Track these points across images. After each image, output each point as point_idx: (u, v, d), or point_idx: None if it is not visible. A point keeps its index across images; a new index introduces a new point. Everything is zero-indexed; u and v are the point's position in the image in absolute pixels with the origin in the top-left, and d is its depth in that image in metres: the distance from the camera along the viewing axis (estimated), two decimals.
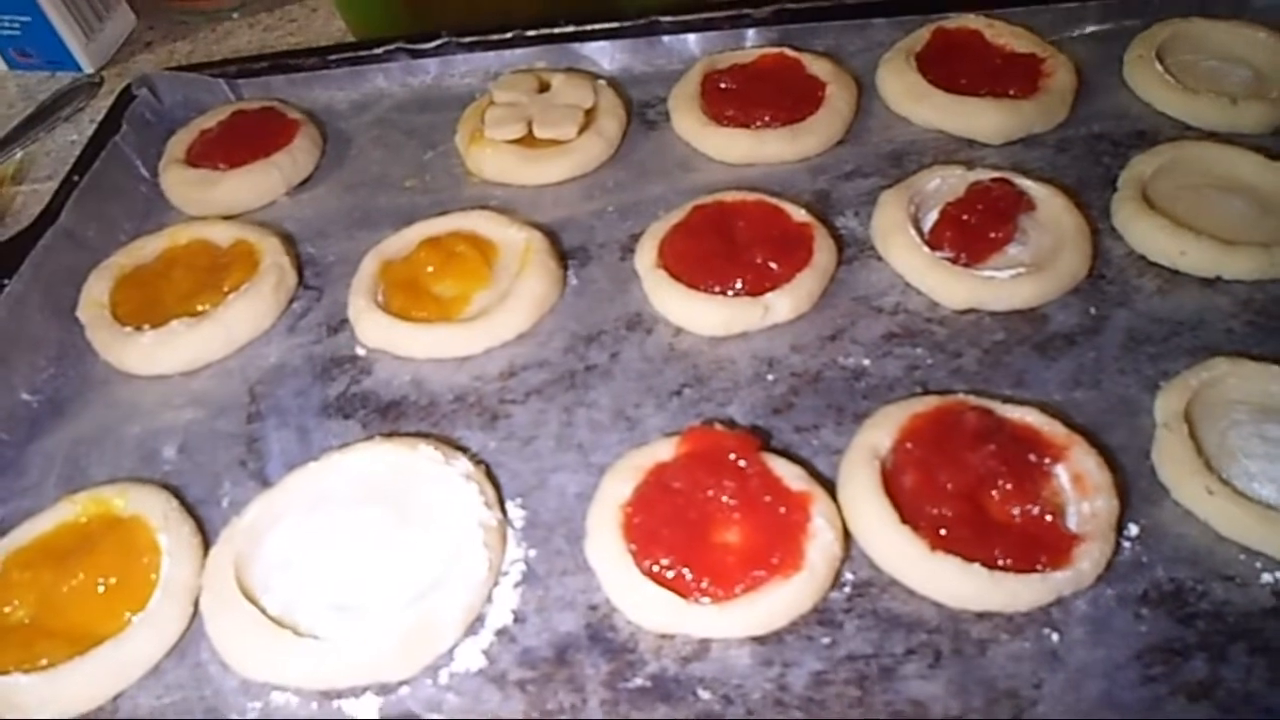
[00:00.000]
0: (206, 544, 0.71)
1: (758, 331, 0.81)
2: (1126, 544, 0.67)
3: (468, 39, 1.08)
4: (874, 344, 0.80)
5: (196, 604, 0.68)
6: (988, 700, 0.60)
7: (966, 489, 0.66)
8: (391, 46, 1.09)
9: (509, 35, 1.08)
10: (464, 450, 0.75)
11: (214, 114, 1.04)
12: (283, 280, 0.87)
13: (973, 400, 0.72)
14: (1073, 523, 0.66)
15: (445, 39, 1.08)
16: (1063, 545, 0.64)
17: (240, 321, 0.85)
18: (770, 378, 0.78)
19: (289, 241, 0.93)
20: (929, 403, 0.72)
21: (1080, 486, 0.67)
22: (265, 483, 0.75)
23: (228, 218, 0.95)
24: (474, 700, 0.63)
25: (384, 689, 0.64)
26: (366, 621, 0.65)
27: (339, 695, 0.64)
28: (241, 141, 1.00)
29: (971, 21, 1.05)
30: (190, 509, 0.74)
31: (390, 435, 0.76)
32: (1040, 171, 0.92)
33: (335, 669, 0.63)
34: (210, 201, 0.97)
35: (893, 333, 0.81)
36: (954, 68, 1.00)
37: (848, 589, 0.66)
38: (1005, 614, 0.64)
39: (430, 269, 0.86)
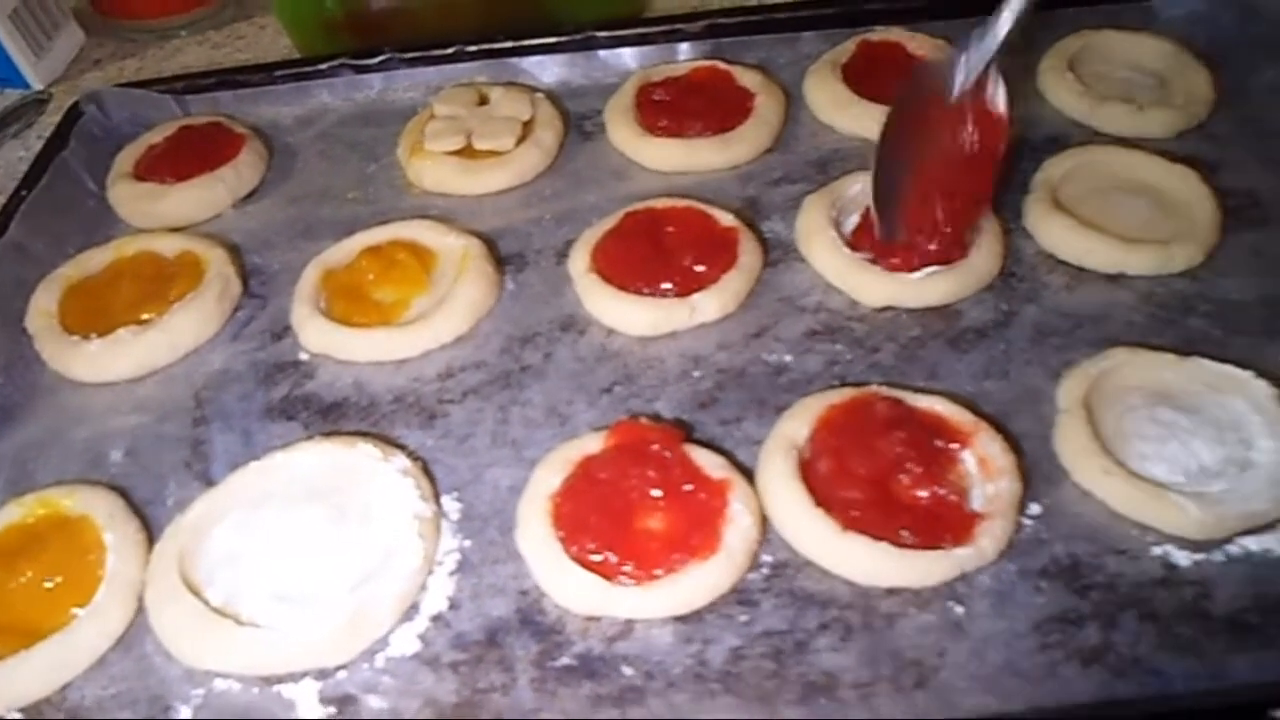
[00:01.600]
0: (152, 541, 0.74)
1: (686, 331, 0.85)
2: (1028, 522, 0.71)
3: (410, 55, 1.12)
4: (796, 341, 0.84)
5: (142, 599, 0.70)
6: (895, 669, 0.64)
7: (876, 474, 0.70)
8: (336, 62, 1.12)
9: (450, 50, 1.11)
10: (402, 448, 0.78)
11: (161, 129, 1.07)
12: (227, 289, 0.90)
13: (885, 391, 0.76)
14: (977, 503, 0.70)
15: (388, 55, 1.11)
16: (966, 524, 0.68)
17: (185, 330, 0.87)
18: (697, 374, 0.82)
19: (234, 252, 0.95)
20: (844, 394, 0.75)
21: (985, 469, 0.71)
22: (210, 483, 0.78)
23: (174, 230, 0.98)
24: (409, 682, 0.66)
25: (322, 674, 0.66)
26: (306, 610, 0.67)
27: (279, 681, 0.66)
28: (188, 156, 1.03)
29: (895, 35, 1.10)
30: (136, 509, 0.76)
31: (330, 435, 0.78)
32: None
33: (275, 655, 0.66)
34: (157, 214, 1.00)
35: (814, 330, 0.85)
36: (877, 78, 1.05)
37: (765, 570, 0.69)
38: (913, 589, 0.67)
39: (371, 276, 0.89)
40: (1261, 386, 0.75)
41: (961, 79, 0.80)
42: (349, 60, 1.11)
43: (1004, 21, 0.77)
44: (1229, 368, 0.77)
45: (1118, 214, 0.91)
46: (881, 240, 0.84)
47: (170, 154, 1.03)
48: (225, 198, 1.01)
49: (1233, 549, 0.69)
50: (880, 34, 1.10)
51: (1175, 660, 0.63)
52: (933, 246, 0.83)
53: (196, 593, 0.69)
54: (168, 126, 1.07)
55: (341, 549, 0.71)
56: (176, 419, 0.83)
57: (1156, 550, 0.69)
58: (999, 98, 0.80)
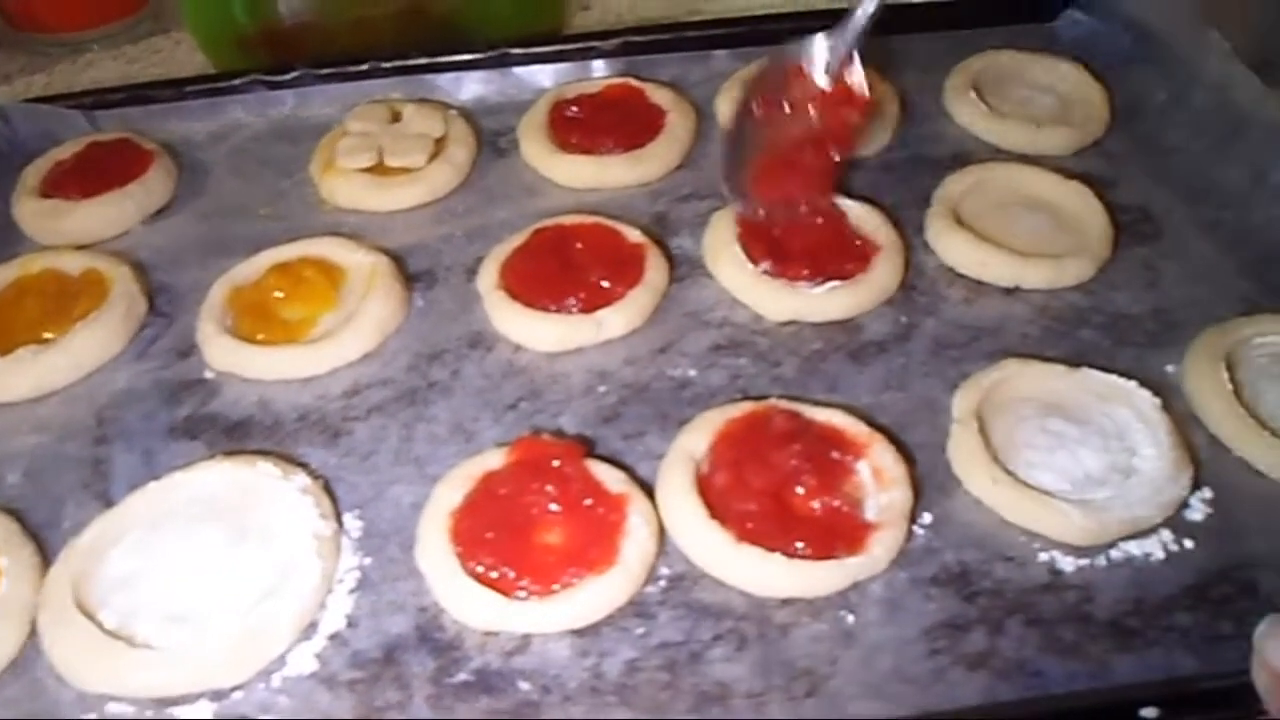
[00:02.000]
0: (48, 564, 0.72)
1: (592, 347, 0.86)
2: (921, 531, 0.73)
3: (323, 71, 1.11)
4: (701, 355, 0.85)
5: (35, 623, 0.69)
6: (788, 678, 0.65)
7: (772, 486, 0.71)
8: (248, 78, 1.11)
9: (364, 67, 1.11)
10: (304, 466, 0.78)
11: (70, 145, 1.06)
12: (132, 308, 0.89)
13: (783, 404, 0.77)
14: (870, 513, 0.72)
15: (301, 71, 1.11)
16: (859, 534, 0.70)
17: (88, 349, 0.86)
18: (602, 389, 0.83)
19: (141, 270, 0.95)
20: (743, 408, 0.77)
21: (879, 480, 0.73)
22: (109, 504, 0.76)
23: (81, 248, 0.96)
24: (305, 701, 0.65)
25: (218, 695, 0.66)
26: (201, 630, 0.67)
27: (174, 703, 0.66)
28: (96, 172, 1.02)
29: None
30: (33, 532, 0.75)
31: (232, 454, 0.78)
32: (864, 191, 0.99)
33: (169, 677, 0.65)
34: (63, 231, 0.98)
35: (719, 344, 0.86)
36: None
37: (663, 582, 0.70)
38: (807, 599, 0.69)
39: (279, 294, 0.89)
40: (1145, 396, 0.78)
41: (827, 59, 0.84)
42: (262, 76, 1.11)
43: (868, 6, 0.82)
44: (1115, 378, 0.79)
45: (1015, 229, 0.94)
46: (733, 205, 0.89)
47: (78, 170, 1.02)
48: (134, 214, 1.00)
49: (1115, 554, 0.71)
50: None
51: (1058, 663, 0.66)
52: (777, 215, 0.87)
53: (91, 615, 0.68)
54: (76, 142, 1.06)
55: (240, 569, 0.71)
56: (77, 439, 0.82)
57: (1043, 556, 0.71)
58: (859, 79, 0.84)
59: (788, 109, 0.85)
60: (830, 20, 1.10)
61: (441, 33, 1.18)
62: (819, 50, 0.85)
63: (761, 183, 0.87)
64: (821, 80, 0.84)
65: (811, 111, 0.84)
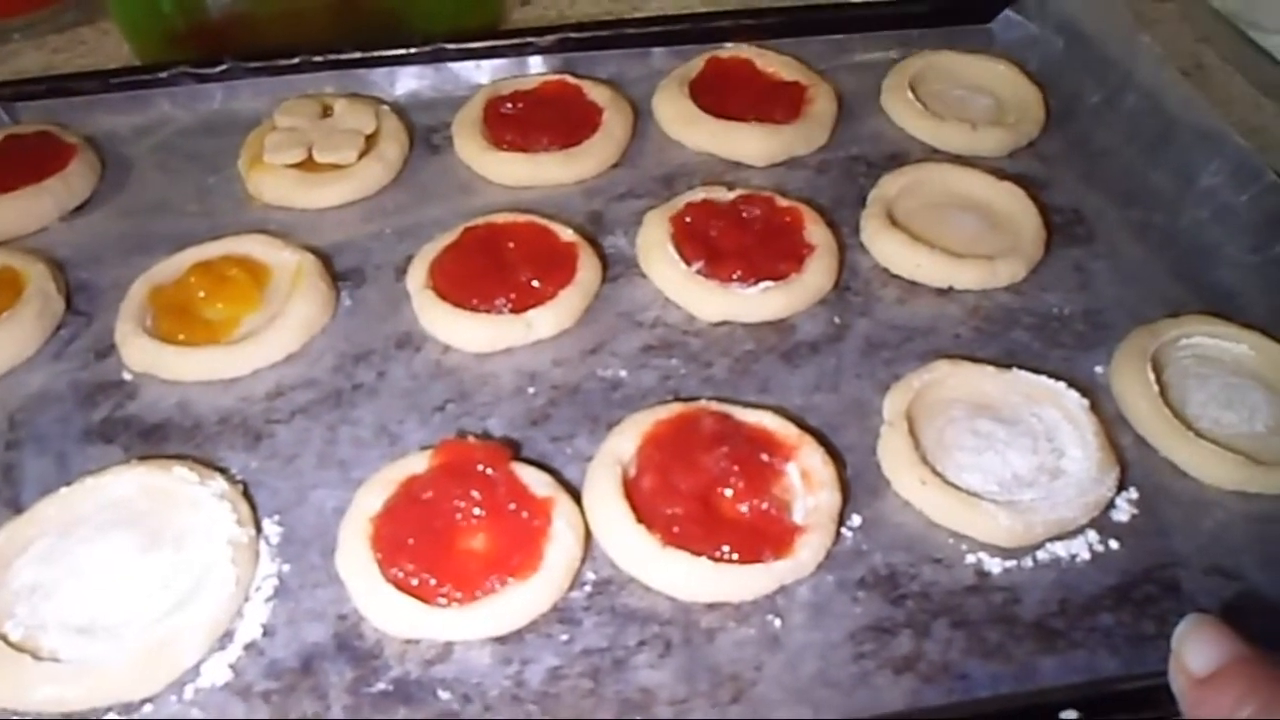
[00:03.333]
0: None
1: (522, 347, 0.84)
2: (849, 533, 0.72)
3: (253, 64, 1.09)
4: (632, 356, 0.84)
5: None
6: (712, 684, 0.64)
7: (699, 489, 0.71)
8: (176, 70, 1.08)
9: (295, 60, 1.09)
10: (223, 471, 0.75)
11: None
12: (47, 307, 0.86)
13: (713, 406, 0.76)
14: (798, 516, 0.71)
15: (230, 64, 1.08)
16: (786, 537, 0.69)
17: (0, 349, 0.83)
18: (531, 390, 0.82)
19: (59, 268, 0.92)
20: (672, 410, 0.76)
21: (808, 482, 0.73)
22: (19, 511, 0.74)
23: None
24: (218, 714, 0.63)
25: (127, 708, 0.64)
26: (109, 642, 0.65)
27: (81, 717, 0.63)
28: (13, 166, 0.98)
29: (744, 51, 1.11)
30: None
31: (148, 458, 0.76)
32: (799, 191, 0.98)
33: (75, 691, 0.63)
34: None
35: (650, 345, 0.85)
36: (724, 94, 1.06)
37: (588, 587, 0.69)
38: (733, 604, 0.68)
39: (201, 293, 0.86)
40: (1074, 397, 0.78)
41: None
42: (190, 69, 1.08)
43: None
44: (1044, 379, 0.80)
45: (949, 230, 0.94)
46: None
47: None
48: (52, 210, 0.97)
49: (1042, 555, 0.71)
50: (730, 51, 1.11)
51: (983, 665, 0.66)
52: None
53: None
54: None
55: (152, 577, 0.68)
56: None
57: (970, 558, 0.71)
58: None
59: None
60: (771, 19, 1.12)
61: (376, 26, 1.15)
62: None
63: None
64: None
65: None
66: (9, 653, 0.64)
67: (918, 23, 1.16)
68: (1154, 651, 0.65)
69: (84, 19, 1.37)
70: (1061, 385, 0.79)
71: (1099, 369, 0.84)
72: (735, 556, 0.68)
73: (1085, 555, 0.71)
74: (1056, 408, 0.78)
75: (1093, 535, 0.72)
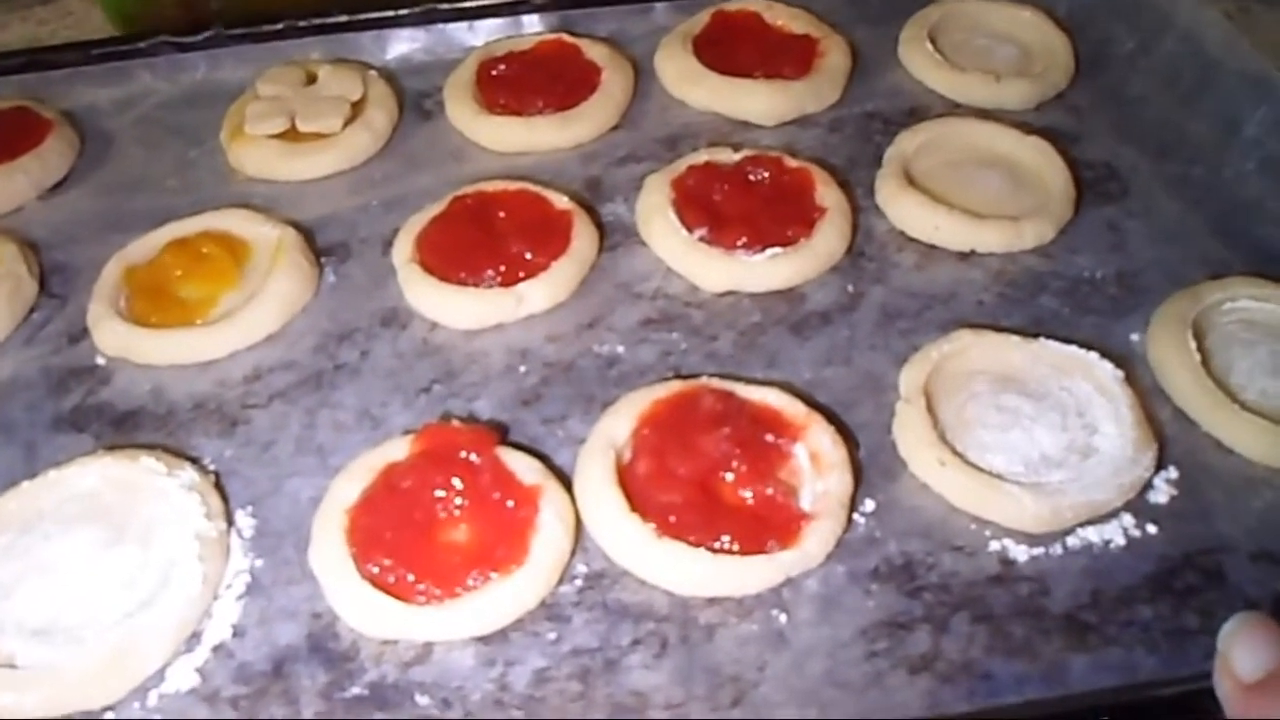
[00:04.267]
0: None
1: (514, 323, 0.80)
2: (861, 519, 0.67)
3: (237, 31, 1.04)
4: (630, 330, 0.79)
5: None
6: (711, 687, 0.59)
7: (698, 474, 0.66)
8: (156, 40, 1.03)
9: (280, 26, 1.04)
10: (194, 460, 0.71)
11: None
12: (19, 290, 0.82)
13: (715, 383, 0.71)
14: (806, 502, 0.66)
15: (213, 31, 1.03)
16: (793, 525, 0.64)
17: None
18: (522, 369, 0.77)
19: (33, 248, 0.88)
20: (671, 388, 0.71)
21: (816, 464, 0.67)
22: None
23: None
24: None
25: (87, 715, 0.60)
26: (69, 646, 0.61)
27: None
28: None
29: (752, 3, 1.05)
30: None
31: (115, 448, 0.72)
32: (810, 151, 0.93)
33: (33, 698, 0.59)
34: None
35: (650, 318, 0.80)
36: (731, 50, 1.00)
37: (579, 581, 0.64)
38: (735, 598, 0.63)
39: (177, 272, 0.82)
40: (1107, 368, 0.73)
41: None
42: (171, 38, 1.03)
43: None
44: (1074, 349, 0.74)
45: (970, 188, 0.88)
46: None
47: None
48: (28, 189, 0.93)
49: (1072, 541, 0.66)
50: (737, 3, 1.05)
51: (1007, 664, 0.60)
52: None
53: None
54: None
55: (116, 575, 0.64)
56: None
57: (994, 545, 0.66)
58: None
59: None
60: None
61: None
62: None
63: None
64: None
65: None
66: None
67: None
68: (1196, 648, 0.60)
69: None
70: (1094, 355, 0.73)
71: (1135, 337, 0.78)
72: (737, 547, 0.63)
73: (1120, 541, 0.66)
74: (1088, 380, 0.72)
75: (1128, 519, 0.66)
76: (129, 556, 0.65)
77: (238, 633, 0.63)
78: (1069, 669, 0.60)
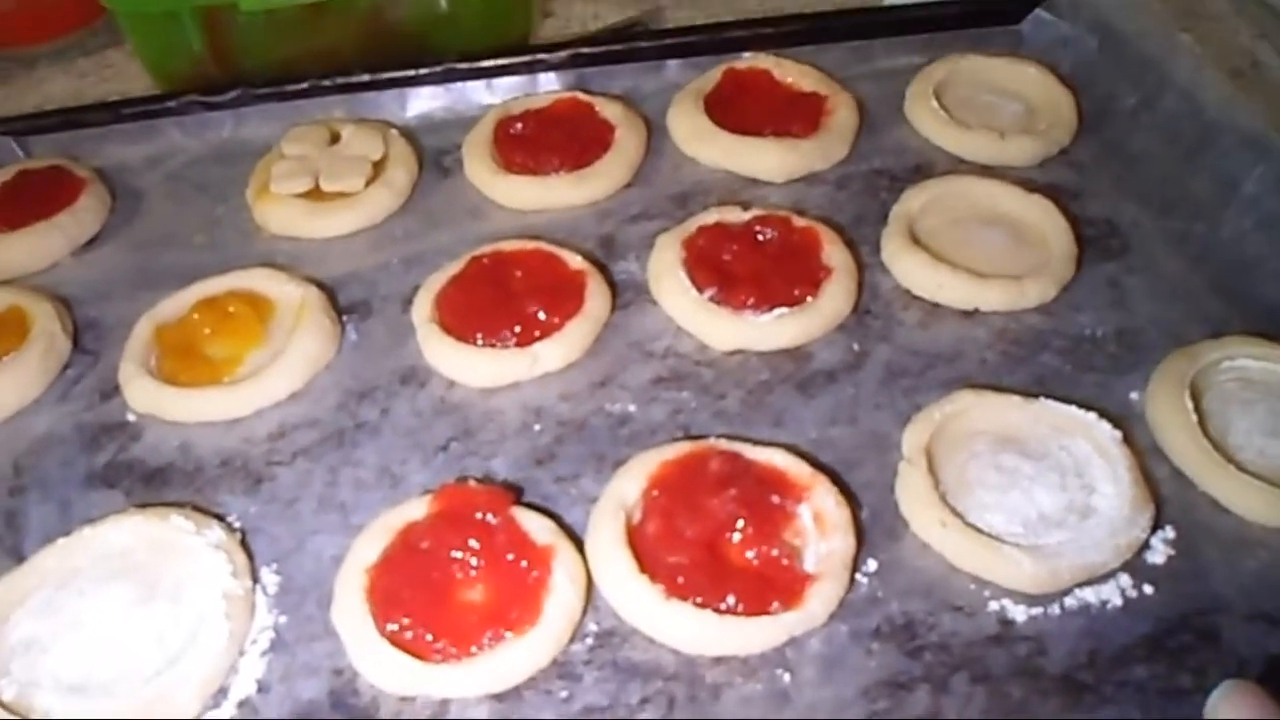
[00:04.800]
0: None
1: (528, 382, 0.82)
2: (864, 579, 0.69)
3: (263, 90, 1.07)
4: (641, 389, 0.81)
5: None
6: None
7: (705, 535, 0.68)
8: (186, 99, 1.07)
9: (305, 86, 1.07)
10: (221, 518, 0.74)
11: None
12: (52, 347, 0.86)
13: (722, 444, 0.73)
14: (810, 563, 0.68)
15: (240, 91, 1.07)
16: (796, 586, 0.66)
17: (5, 392, 0.83)
18: (537, 428, 0.79)
19: (66, 306, 0.91)
20: (680, 449, 0.73)
21: (820, 525, 0.70)
22: (20, 559, 0.73)
23: (5, 282, 0.93)
24: None
25: None
26: (100, 702, 0.63)
27: None
28: (24, 202, 0.98)
29: (761, 61, 1.07)
30: None
31: (146, 505, 0.75)
32: (818, 208, 0.95)
33: None
34: None
35: (661, 377, 0.82)
36: (741, 108, 1.03)
37: (590, 640, 0.67)
38: (741, 657, 0.65)
39: (206, 330, 0.85)
40: (1105, 429, 0.74)
41: None
42: (199, 97, 1.07)
43: None
44: (1074, 410, 0.76)
45: (974, 247, 0.90)
46: None
47: (5, 200, 0.98)
48: (62, 246, 0.97)
49: (1070, 601, 0.68)
50: (747, 61, 1.07)
51: None
52: None
53: None
54: (4, 171, 1.02)
55: (147, 631, 0.67)
56: None
57: (993, 605, 0.68)
58: None
59: None
60: (791, 26, 1.08)
61: (405, 52, 1.12)
62: None
63: None
64: None
65: None
66: (2, 715, 0.63)
67: (943, 25, 1.12)
68: (1190, 708, 0.61)
69: (112, 42, 1.37)
70: (1092, 416, 0.75)
71: (1134, 395, 0.79)
72: (742, 608, 0.65)
73: (1117, 601, 0.67)
74: (1087, 440, 0.74)
75: (1125, 580, 0.68)
76: (160, 613, 0.68)
77: (262, 688, 0.66)
78: None
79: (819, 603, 0.65)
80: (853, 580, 0.68)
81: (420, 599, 0.66)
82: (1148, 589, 0.68)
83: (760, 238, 0.88)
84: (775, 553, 0.67)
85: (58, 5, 1.35)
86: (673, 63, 1.10)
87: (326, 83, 1.08)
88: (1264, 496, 0.71)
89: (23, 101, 1.29)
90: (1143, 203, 0.94)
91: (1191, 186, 0.93)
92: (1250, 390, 0.78)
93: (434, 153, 1.04)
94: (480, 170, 0.99)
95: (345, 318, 0.89)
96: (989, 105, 1.05)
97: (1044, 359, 0.83)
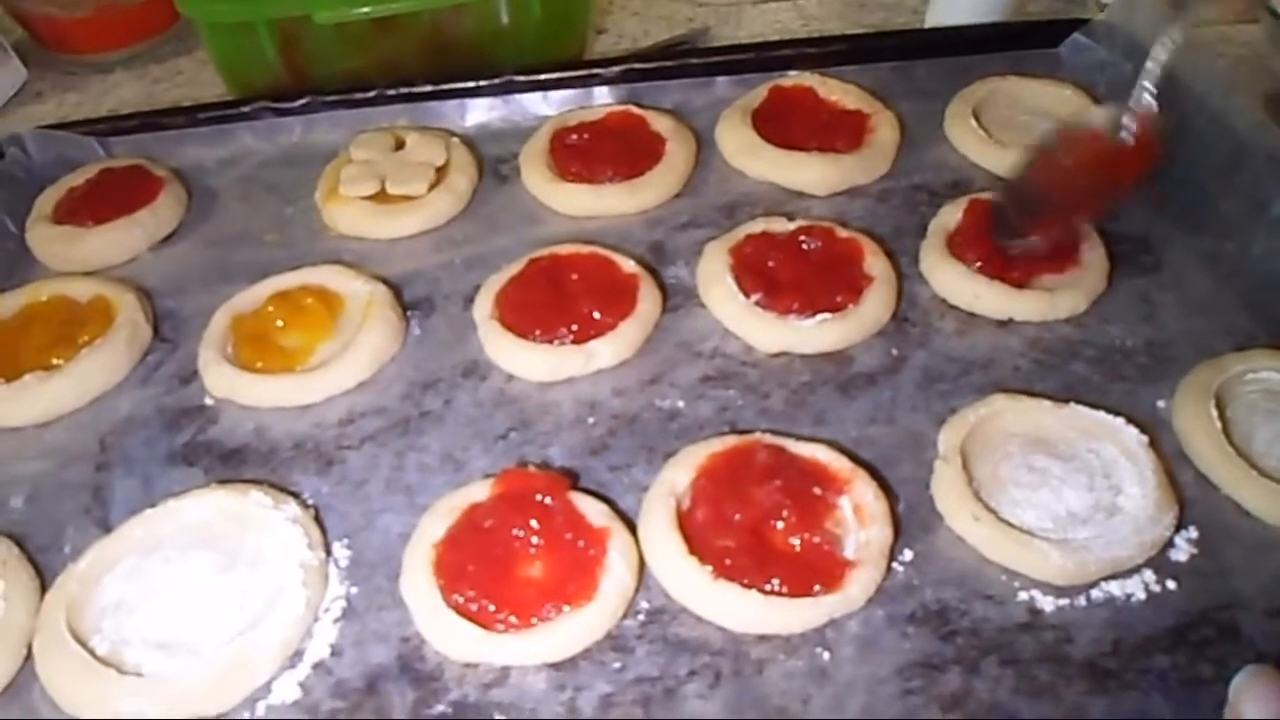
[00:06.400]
0: (45, 589, 0.74)
1: (583, 377, 0.87)
2: (900, 568, 0.73)
3: (331, 98, 1.13)
4: (690, 387, 0.86)
5: (31, 647, 0.71)
6: (760, 715, 0.66)
7: (751, 522, 0.72)
8: (257, 105, 1.13)
9: (371, 94, 1.13)
10: (296, 495, 0.79)
11: (83, 171, 1.08)
12: (136, 334, 0.91)
13: (767, 439, 0.77)
14: (849, 550, 0.72)
15: (309, 98, 1.12)
16: (837, 571, 0.70)
17: (93, 374, 0.88)
18: (591, 420, 0.84)
19: (148, 296, 0.97)
20: (727, 442, 0.77)
21: (859, 516, 0.74)
22: (108, 530, 0.78)
23: (90, 274, 0.99)
24: None
25: None
26: (188, 658, 0.69)
27: None
28: (107, 199, 1.04)
29: (806, 79, 1.12)
30: (31, 557, 0.77)
31: (226, 482, 0.80)
32: (860, 220, 0.99)
33: (155, 704, 0.67)
34: (74, 258, 1.00)
35: (708, 376, 0.87)
36: (787, 124, 1.07)
37: (641, 616, 0.71)
38: (783, 636, 0.69)
39: (279, 322, 0.91)
40: (1133, 433, 0.78)
41: (1121, 121, 0.85)
42: (270, 103, 1.13)
43: (1154, 65, 0.83)
44: (1103, 414, 0.79)
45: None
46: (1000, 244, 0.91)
47: (89, 197, 1.04)
48: (142, 241, 1.03)
49: (1096, 594, 0.71)
50: (793, 79, 1.12)
51: (1032, 704, 0.66)
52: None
53: (83, 641, 0.70)
54: (89, 169, 1.08)
55: (228, 597, 0.72)
56: (79, 465, 0.84)
57: (1022, 595, 0.71)
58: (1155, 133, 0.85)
59: (1074, 166, 0.87)
60: (834, 47, 1.13)
61: (465, 65, 1.18)
62: (1111, 115, 0.86)
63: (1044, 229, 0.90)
64: (1118, 140, 0.85)
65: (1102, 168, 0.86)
66: (96, 666, 0.68)
67: (984, 48, 1.16)
68: (1209, 697, 0.65)
69: (182, 50, 1.44)
70: (1120, 421, 0.78)
71: (1161, 403, 0.83)
72: (785, 589, 0.69)
73: (1141, 595, 0.71)
74: (1114, 444, 0.78)
75: (1149, 575, 0.72)
76: (240, 580, 0.73)
77: (335, 652, 0.70)
78: (1089, 711, 0.65)
79: (858, 587, 0.69)
80: (890, 568, 0.72)
81: (484, 573, 0.70)
82: (1171, 584, 0.71)
83: (805, 247, 0.93)
84: (817, 540, 0.72)
85: (131, 14, 1.42)
86: (721, 79, 1.15)
87: (391, 92, 1.13)
88: None
89: (98, 106, 1.35)
90: (1175, 221, 0.98)
91: (1223, 206, 0.96)
92: (1274, 401, 0.82)
93: (492, 160, 1.10)
94: (537, 178, 1.04)
95: (410, 313, 0.94)
96: (1026, 125, 1.09)
97: (1074, 368, 0.86)
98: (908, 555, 0.74)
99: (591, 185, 1.02)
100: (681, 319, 0.92)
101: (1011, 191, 0.93)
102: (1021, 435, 0.80)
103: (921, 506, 0.77)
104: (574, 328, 0.87)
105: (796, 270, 0.90)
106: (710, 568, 0.70)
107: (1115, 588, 0.71)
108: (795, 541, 0.72)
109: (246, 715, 0.68)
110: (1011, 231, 0.90)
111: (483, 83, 1.13)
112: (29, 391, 0.87)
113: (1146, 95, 0.84)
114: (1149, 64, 0.83)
